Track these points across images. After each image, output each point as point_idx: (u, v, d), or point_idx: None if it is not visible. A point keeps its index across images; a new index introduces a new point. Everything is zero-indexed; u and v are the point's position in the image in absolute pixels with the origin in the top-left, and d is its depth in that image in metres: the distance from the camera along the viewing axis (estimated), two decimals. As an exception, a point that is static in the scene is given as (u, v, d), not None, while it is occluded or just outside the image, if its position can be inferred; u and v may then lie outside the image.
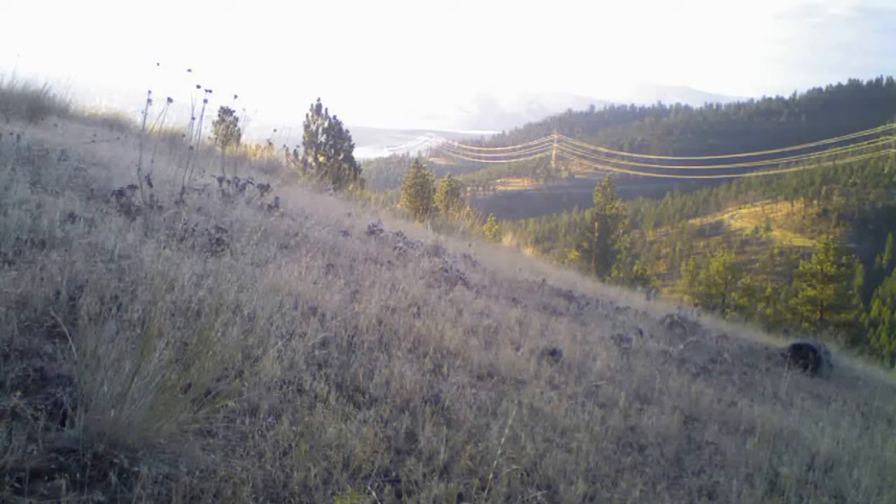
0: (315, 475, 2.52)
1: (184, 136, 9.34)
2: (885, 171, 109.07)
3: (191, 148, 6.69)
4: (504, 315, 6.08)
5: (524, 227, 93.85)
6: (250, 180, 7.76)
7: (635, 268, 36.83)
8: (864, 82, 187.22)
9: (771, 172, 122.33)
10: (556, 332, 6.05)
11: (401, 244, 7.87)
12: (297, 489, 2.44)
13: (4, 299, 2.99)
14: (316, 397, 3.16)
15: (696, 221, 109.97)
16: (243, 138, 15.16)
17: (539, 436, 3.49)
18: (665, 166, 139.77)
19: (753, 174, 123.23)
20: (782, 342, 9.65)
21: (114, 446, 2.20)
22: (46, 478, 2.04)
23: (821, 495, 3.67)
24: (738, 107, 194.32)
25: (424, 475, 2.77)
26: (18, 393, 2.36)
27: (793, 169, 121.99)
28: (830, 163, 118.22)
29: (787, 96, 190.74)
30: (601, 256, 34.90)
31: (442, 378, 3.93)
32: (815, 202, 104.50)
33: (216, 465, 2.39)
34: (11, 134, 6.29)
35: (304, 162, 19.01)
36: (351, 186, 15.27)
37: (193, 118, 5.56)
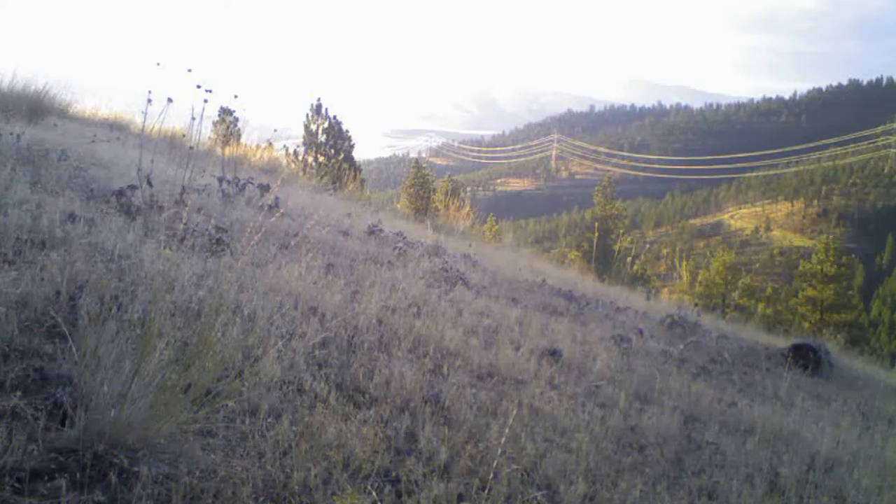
0: (315, 475, 2.52)
1: (184, 136, 9.34)
2: (885, 171, 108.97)
3: (191, 148, 6.69)
4: (504, 315, 6.08)
5: (524, 227, 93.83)
6: (250, 180, 7.77)
7: (635, 268, 36.81)
8: (864, 82, 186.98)
9: (771, 172, 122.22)
10: (556, 332, 6.05)
11: (401, 244, 7.88)
12: (297, 489, 2.44)
13: (4, 299, 2.99)
14: (316, 397, 3.17)
15: (696, 221, 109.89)
16: (243, 138, 15.16)
17: (539, 436, 3.49)
18: (665, 166, 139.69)
19: (753, 174, 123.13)
20: (782, 342, 9.65)
21: (114, 446, 2.20)
22: (46, 478, 2.04)
23: (821, 495, 3.67)
24: (738, 107, 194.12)
25: (424, 475, 2.77)
26: (18, 393, 2.37)
27: (793, 169, 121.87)
28: (830, 163, 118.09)
29: (787, 96, 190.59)
30: (601, 256, 34.87)
31: (442, 378, 3.92)
32: (815, 202, 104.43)
33: (216, 465, 2.39)
34: (11, 134, 6.29)
35: (305, 162, 18.99)
36: (351, 186, 15.26)
37: (193, 118, 5.57)
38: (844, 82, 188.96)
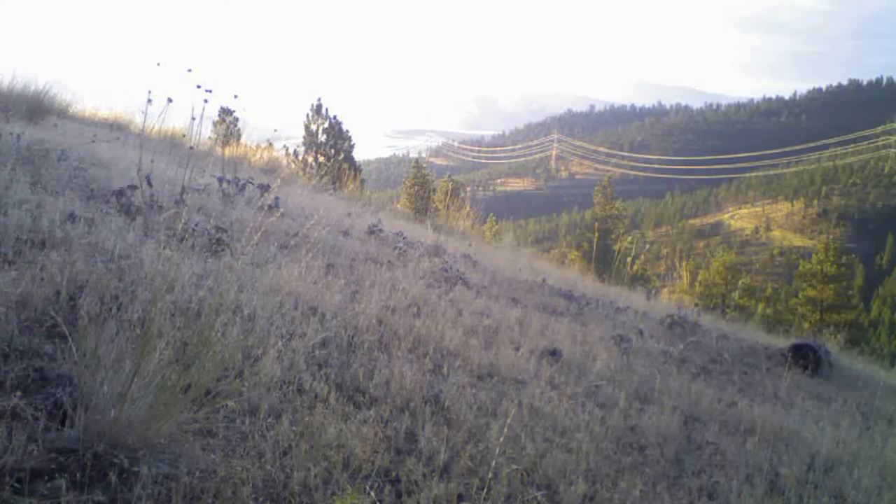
0: (315, 475, 2.52)
1: (184, 136, 9.34)
2: (885, 171, 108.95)
3: (191, 148, 6.70)
4: (504, 315, 6.08)
5: (524, 227, 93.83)
6: (250, 180, 7.77)
7: (635, 268, 36.75)
8: (864, 82, 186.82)
9: (771, 172, 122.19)
10: (556, 332, 6.05)
11: (401, 244, 7.88)
12: (297, 489, 2.44)
13: (4, 299, 2.99)
14: (316, 397, 3.17)
15: (696, 221, 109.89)
16: (243, 138, 15.17)
17: (539, 436, 3.49)
18: (665, 166, 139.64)
19: (753, 174, 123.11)
20: (782, 342, 9.64)
21: (114, 446, 2.21)
22: (46, 478, 2.04)
23: (821, 495, 3.66)
24: (738, 107, 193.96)
25: (424, 475, 2.77)
26: (18, 393, 2.37)
27: (793, 169, 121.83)
28: (830, 163, 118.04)
29: (787, 96, 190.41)
30: (601, 256, 34.85)
31: (442, 378, 3.93)
32: (815, 202, 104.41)
33: (216, 465, 2.39)
34: (11, 134, 6.29)
35: (305, 162, 18.98)
36: (351, 186, 15.26)
37: (194, 118, 5.56)
38: (844, 82, 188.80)
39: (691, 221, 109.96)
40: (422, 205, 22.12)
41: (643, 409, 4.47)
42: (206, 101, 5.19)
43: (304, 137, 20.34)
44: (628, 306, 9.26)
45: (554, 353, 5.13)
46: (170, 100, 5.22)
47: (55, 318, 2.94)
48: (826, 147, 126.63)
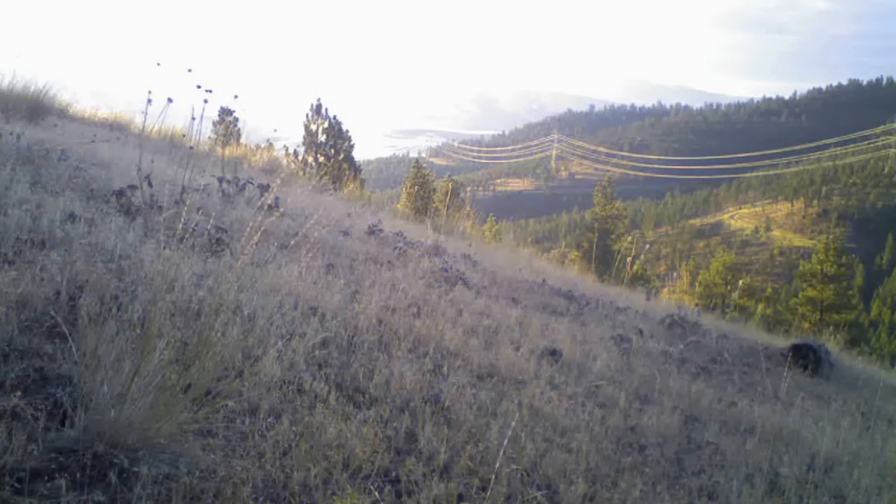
0: (315, 475, 2.52)
1: (184, 136, 9.35)
2: (885, 171, 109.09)
3: (191, 148, 6.70)
4: (504, 315, 6.08)
5: (524, 227, 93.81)
6: (250, 180, 7.77)
7: (635, 268, 36.71)
8: (864, 82, 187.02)
9: (771, 172, 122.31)
10: (556, 332, 6.05)
11: (401, 244, 7.87)
12: (297, 489, 2.44)
13: (4, 299, 2.99)
14: (316, 397, 3.17)
15: (696, 221, 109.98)
16: (243, 138, 15.18)
17: (539, 436, 3.49)
18: (665, 166, 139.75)
19: (753, 174, 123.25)
20: (782, 342, 9.63)
21: (114, 446, 2.21)
22: (46, 478, 2.04)
23: (821, 495, 3.66)
24: (738, 107, 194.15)
25: (424, 475, 2.77)
26: (18, 393, 2.37)
27: (793, 169, 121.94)
28: (830, 163, 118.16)
29: (787, 96, 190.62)
30: (601, 256, 34.85)
31: (442, 378, 3.92)
32: (815, 202, 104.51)
33: (216, 465, 2.39)
34: (11, 134, 6.30)
35: (305, 162, 19.00)
36: (351, 186, 15.26)
37: (193, 118, 5.56)
38: (844, 82, 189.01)
39: (691, 221, 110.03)
40: (422, 205, 22.11)
41: (643, 409, 4.47)
42: (206, 101, 5.19)
43: (303, 137, 20.37)
44: (628, 306, 9.26)
45: (554, 353, 5.13)
46: (170, 100, 5.22)
47: (55, 318, 2.94)
48: (826, 147, 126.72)
